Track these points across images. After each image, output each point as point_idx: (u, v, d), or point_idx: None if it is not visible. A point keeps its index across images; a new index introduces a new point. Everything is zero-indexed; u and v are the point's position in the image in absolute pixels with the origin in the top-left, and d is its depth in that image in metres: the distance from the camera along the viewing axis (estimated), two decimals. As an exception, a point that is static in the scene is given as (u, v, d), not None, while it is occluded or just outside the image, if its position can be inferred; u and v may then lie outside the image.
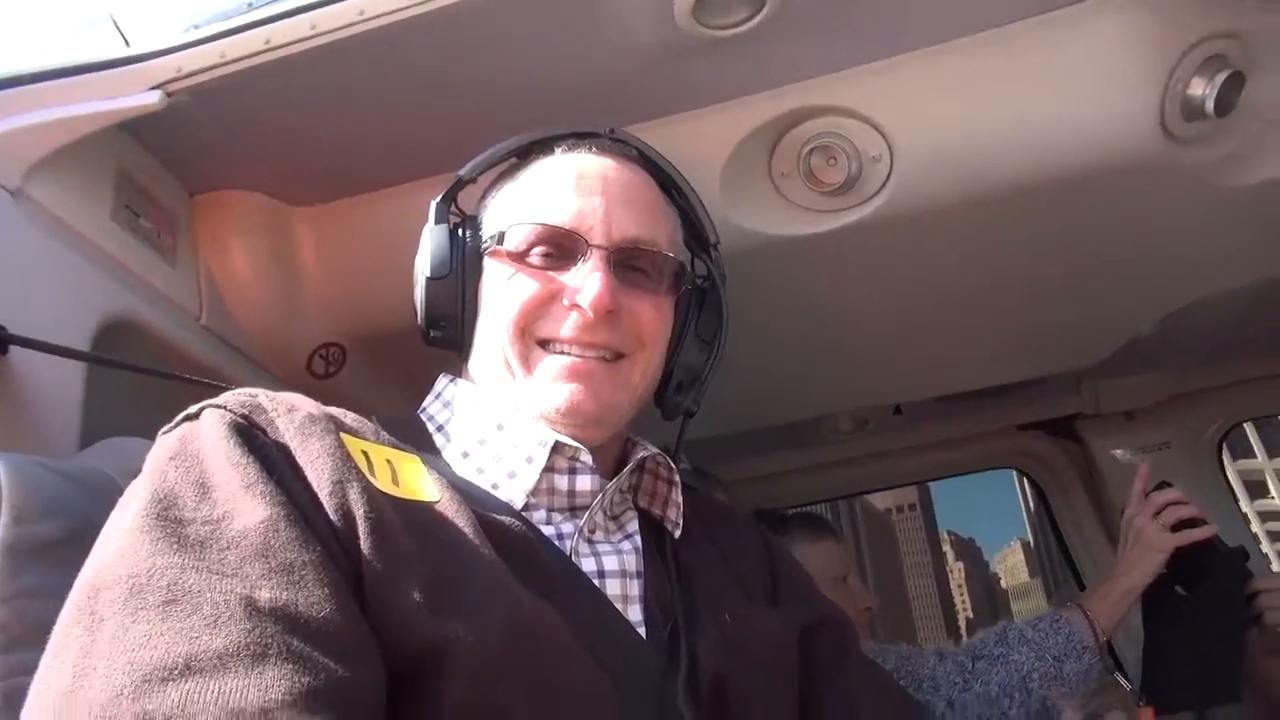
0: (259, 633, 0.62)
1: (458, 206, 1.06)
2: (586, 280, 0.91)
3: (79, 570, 0.69)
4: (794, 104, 1.28)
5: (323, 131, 1.26)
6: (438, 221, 1.02)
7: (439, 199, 1.04)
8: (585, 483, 0.91)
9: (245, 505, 0.70)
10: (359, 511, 0.72)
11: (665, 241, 0.99)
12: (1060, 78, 1.22)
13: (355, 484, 0.74)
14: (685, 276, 1.01)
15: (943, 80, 1.24)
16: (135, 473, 0.76)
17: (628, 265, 0.94)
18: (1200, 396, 2.18)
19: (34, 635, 0.70)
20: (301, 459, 0.75)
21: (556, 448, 0.89)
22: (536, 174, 1.00)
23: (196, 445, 0.75)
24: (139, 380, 1.13)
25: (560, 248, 0.94)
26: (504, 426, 0.93)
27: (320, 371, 1.50)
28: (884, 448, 2.31)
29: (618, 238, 0.94)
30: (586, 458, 0.90)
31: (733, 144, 1.29)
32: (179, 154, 1.29)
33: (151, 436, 0.79)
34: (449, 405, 0.99)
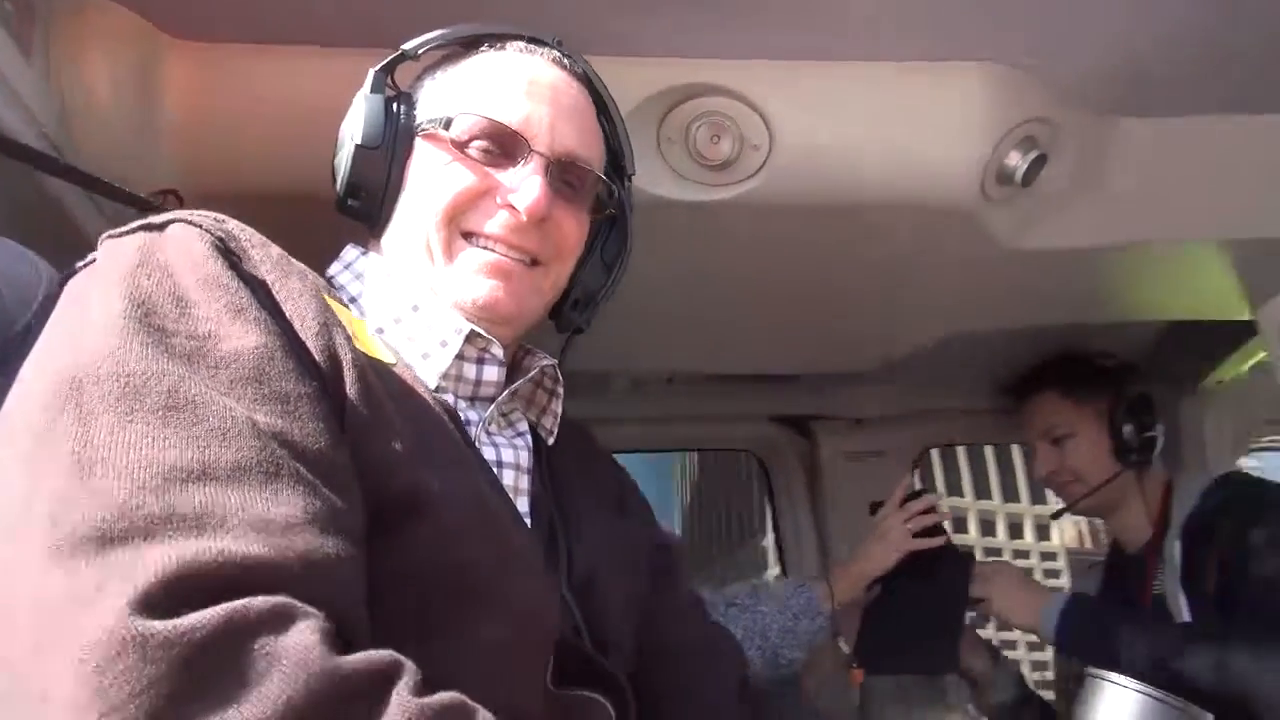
0: (269, 452, 0.63)
1: (393, 80, 1.05)
2: (525, 184, 0.94)
3: None
4: (699, 78, 1.37)
5: None
6: (374, 90, 1.01)
7: (378, 67, 1.03)
8: (492, 373, 0.97)
9: (235, 329, 0.70)
10: (345, 357, 0.74)
11: (597, 162, 1.04)
12: (916, 120, 1.42)
13: (339, 329, 0.75)
14: (608, 200, 1.07)
15: (828, 92, 1.39)
16: None
17: (560, 178, 0.99)
18: (915, 417, 2.55)
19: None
20: (281, 295, 0.75)
21: (470, 337, 0.94)
22: (486, 66, 1.02)
23: (165, 258, 0.73)
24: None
25: (503, 146, 0.96)
26: (420, 308, 0.95)
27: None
28: (656, 413, 2.48)
29: (559, 149, 0.98)
30: (497, 350, 0.96)
31: (637, 99, 1.37)
32: None
33: None
34: (360, 277, 0.99)
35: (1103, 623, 1.81)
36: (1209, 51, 1.37)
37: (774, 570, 2.70)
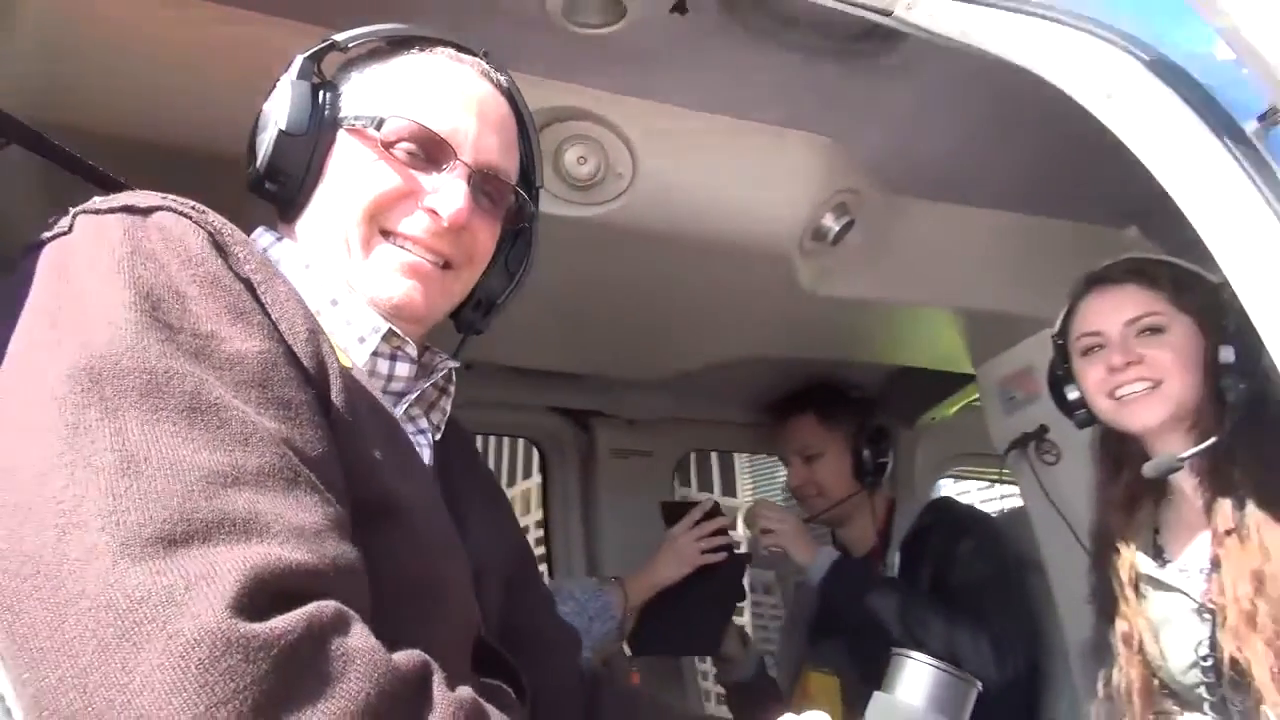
0: (286, 459, 0.68)
1: (319, 69, 1.06)
2: (449, 192, 0.97)
3: None
4: (582, 103, 1.49)
5: None
6: (301, 77, 1.00)
7: (308, 54, 1.04)
8: (403, 369, 1.01)
9: (236, 331, 0.72)
10: (330, 365, 0.78)
11: (514, 175, 1.08)
12: (758, 174, 1.63)
13: (323, 337, 0.79)
14: (519, 212, 1.10)
15: (690, 136, 1.56)
16: None
17: (480, 188, 1.02)
18: (685, 423, 2.78)
19: None
20: (267, 298, 0.78)
21: (387, 335, 0.97)
22: (418, 70, 1.04)
23: (155, 247, 0.74)
24: None
25: (429, 152, 0.99)
26: (338, 303, 0.96)
27: None
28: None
29: (481, 160, 1.01)
30: (411, 349, 1.00)
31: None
32: None
33: None
34: (277, 264, 1.00)
35: (864, 578, 2.16)
36: (975, 158, 1.69)
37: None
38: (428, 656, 0.68)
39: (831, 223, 1.72)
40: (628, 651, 2.12)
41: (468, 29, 1.28)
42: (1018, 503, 2.29)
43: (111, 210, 0.76)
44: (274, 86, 1.03)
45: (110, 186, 0.93)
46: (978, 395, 2.43)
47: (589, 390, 2.59)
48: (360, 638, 0.62)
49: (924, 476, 2.88)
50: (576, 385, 2.59)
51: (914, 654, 0.94)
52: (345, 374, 0.82)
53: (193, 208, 0.80)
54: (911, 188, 1.78)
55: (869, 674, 2.07)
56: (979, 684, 0.95)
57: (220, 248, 0.77)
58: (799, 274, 1.80)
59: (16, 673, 0.57)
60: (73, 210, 0.77)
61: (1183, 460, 1.37)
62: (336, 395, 0.78)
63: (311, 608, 0.60)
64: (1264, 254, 0.94)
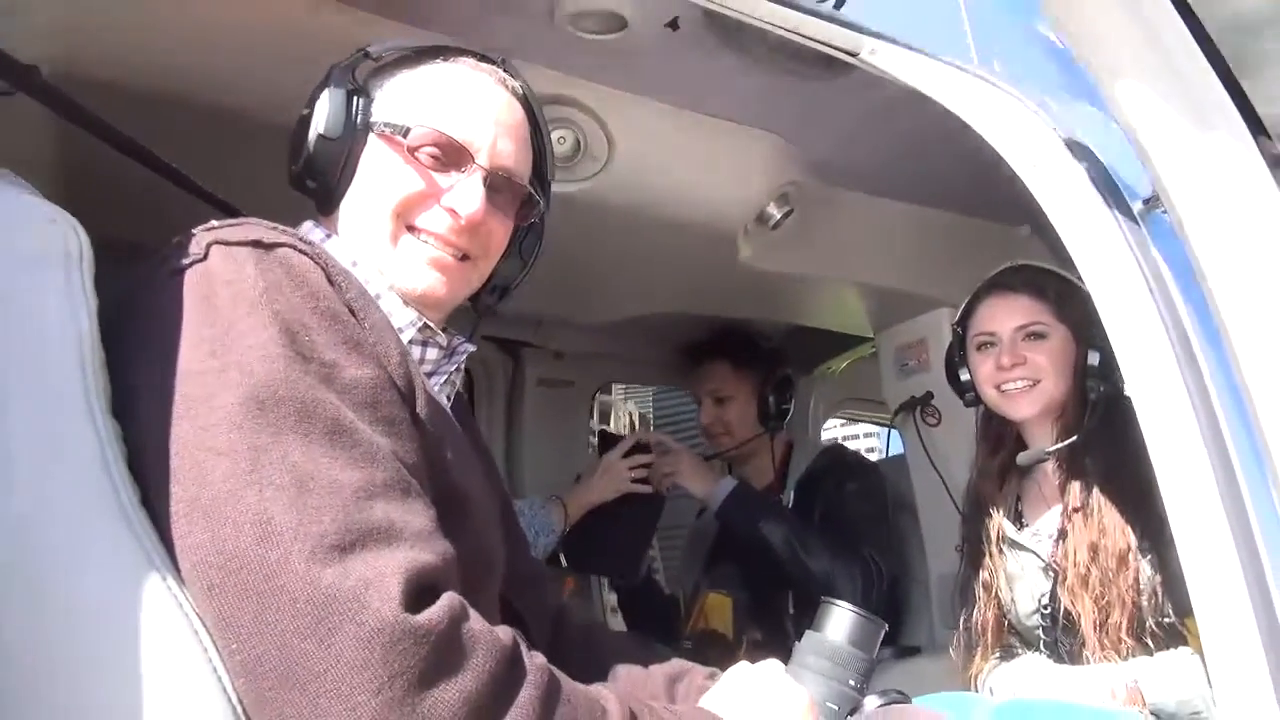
0: (399, 472, 0.84)
1: (353, 75, 1.14)
2: (467, 193, 1.08)
3: None
4: (571, 92, 1.62)
5: None
6: (336, 85, 1.10)
7: (342, 65, 1.13)
8: (433, 354, 1.15)
9: (353, 360, 0.87)
10: (417, 384, 0.94)
11: (525, 174, 1.18)
12: (717, 165, 1.81)
13: (410, 360, 0.94)
14: (530, 207, 1.20)
15: (662, 128, 1.72)
16: None
17: (494, 187, 1.11)
18: (599, 358, 2.99)
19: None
20: (366, 324, 0.93)
21: (421, 327, 1.09)
22: (441, 79, 1.14)
23: (284, 281, 0.87)
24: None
25: (449, 156, 1.09)
26: (381, 297, 1.07)
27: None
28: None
29: (497, 164, 1.11)
30: (441, 338, 1.13)
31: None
32: None
33: None
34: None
35: (759, 504, 2.43)
36: (902, 160, 1.91)
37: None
38: (514, 630, 0.86)
39: (774, 210, 1.92)
40: (563, 563, 2.37)
41: (480, 24, 1.40)
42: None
43: (241, 244, 0.88)
44: (287, 49, 1.17)
45: (114, 140, 1.03)
46: (870, 351, 2.74)
47: (521, 323, 2.75)
48: (477, 621, 0.80)
49: (816, 418, 3.19)
50: (510, 318, 2.74)
51: (839, 602, 1.17)
52: (428, 394, 0.97)
53: (308, 244, 0.93)
54: (845, 182, 2.00)
55: (758, 594, 2.42)
56: (885, 625, 1.18)
57: (332, 282, 0.91)
58: (741, 252, 2.00)
59: (225, 643, 0.73)
60: (202, 236, 0.89)
61: (1049, 454, 1.66)
62: (420, 409, 0.94)
63: (445, 600, 0.78)
64: (1137, 310, 1.19)
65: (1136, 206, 1.25)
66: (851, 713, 1.06)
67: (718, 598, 2.48)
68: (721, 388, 2.62)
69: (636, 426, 4.61)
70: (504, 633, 0.83)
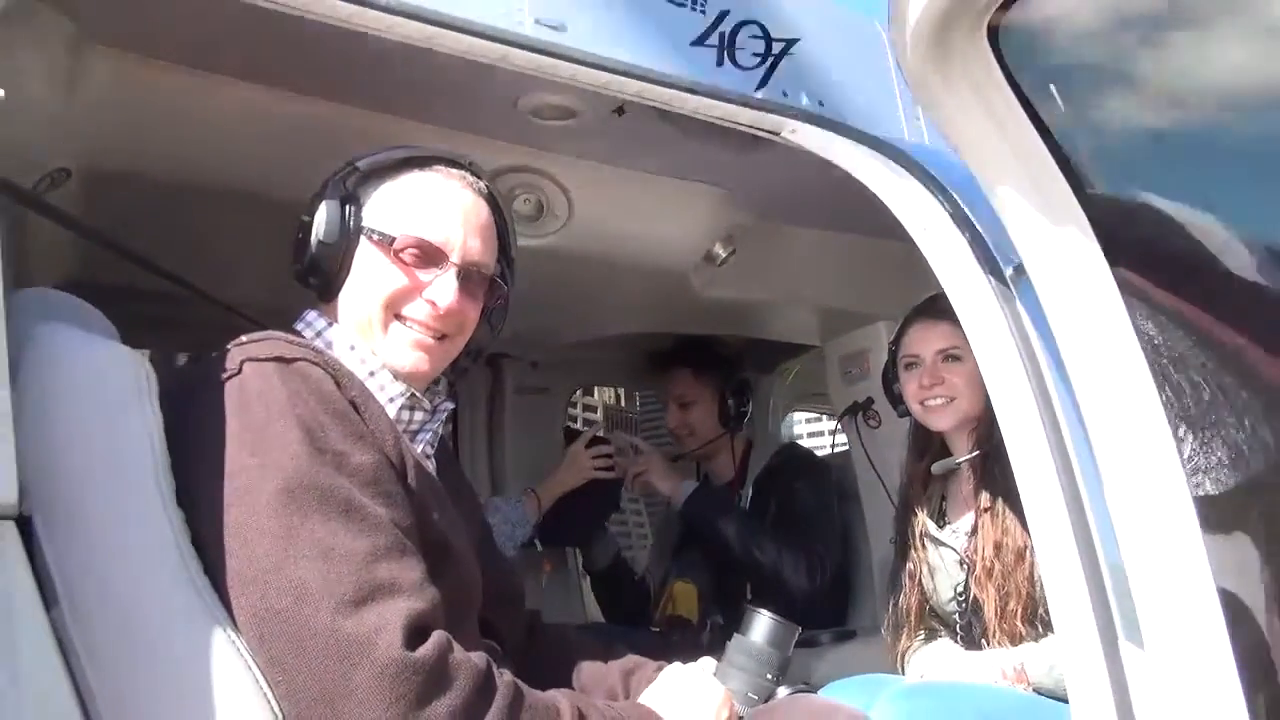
0: (396, 536, 1.08)
1: (345, 184, 1.30)
2: (444, 288, 1.27)
3: None
4: (532, 162, 1.86)
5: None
6: (330, 196, 1.28)
7: (335, 177, 1.30)
8: (419, 416, 1.37)
9: (358, 448, 1.11)
10: (408, 460, 1.17)
11: (491, 263, 1.36)
12: (666, 218, 2.05)
13: (404, 442, 1.18)
14: (497, 291, 1.39)
15: (617, 187, 1.96)
16: None
17: (466, 278, 1.30)
18: (575, 364, 3.23)
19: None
20: (365, 414, 1.16)
21: (410, 397, 1.30)
22: (417, 187, 1.31)
23: (303, 389, 1.11)
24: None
25: (428, 256, 1.28)
26: (375, 374, 1.27)
27: (42, 189, 1.54)
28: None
29: (467, 260, 1.30)
30: (426, 404, 1.33)
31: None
32: None
33: None
34: (330, 346, 1.28)
35: (715, 504, 2.71)
36: (834, 199, 2.13)
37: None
38: (487, 656, 1.10)
39: (720, 250, 2.17)
40: (539, 547, 2.71)
41: (456, 114, 1.62)
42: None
43: (267, 359, 1.12)
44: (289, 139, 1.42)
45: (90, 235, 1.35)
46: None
47: (500, 339, 2.96)
48: (459, 651, 1.05)
49: (776, 415, 3.45)
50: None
51: (759, 609, 1.41)
52: (415, 464, 1.20)
53: (319, 355, 1.16)
54: (786, 219, 2.24)
55: (721, 582, 2.69)
56: (799, 628, 1.42)
57: (339, 385, 1.15)
58: (692, 286, 2.25)
59: (273, 677, 0.98)
60: (235, 353, 1.13)
61: (959, 464, 1.92)
62: (411, 480, 1.17)
63: (435, 638, 1.03)
64: (1002, 357, 1.44)
65: (1009, 271, 1.49)
66: (767, 699, 1.32)
67: (684, 586, 2.74)
68: (685, 393, 2.86)
69: (593, 420, 5.02)
70: (479, 658, 1.08)
